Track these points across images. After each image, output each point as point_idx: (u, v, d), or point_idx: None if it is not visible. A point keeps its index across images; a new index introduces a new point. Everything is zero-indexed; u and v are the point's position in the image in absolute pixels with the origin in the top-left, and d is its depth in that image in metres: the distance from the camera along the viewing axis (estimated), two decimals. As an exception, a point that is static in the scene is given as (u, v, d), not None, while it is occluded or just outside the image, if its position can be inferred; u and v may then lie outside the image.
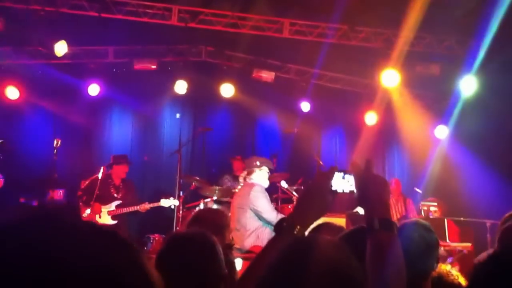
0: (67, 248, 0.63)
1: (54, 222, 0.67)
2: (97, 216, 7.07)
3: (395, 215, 8.05)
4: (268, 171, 5.87)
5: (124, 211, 7.15)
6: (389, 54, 7.86)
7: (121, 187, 7.36)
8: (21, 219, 0.66)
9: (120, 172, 7.42)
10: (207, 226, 2.71)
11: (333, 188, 1.58)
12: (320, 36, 8.02)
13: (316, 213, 1.58)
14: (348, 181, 1.59)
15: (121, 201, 7.22)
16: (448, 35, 7.92)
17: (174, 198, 7.17)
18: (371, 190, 1.49)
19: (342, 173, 1.60)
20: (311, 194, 1.58)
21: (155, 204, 7.22)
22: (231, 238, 3.30)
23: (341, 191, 1.59)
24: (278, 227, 1.54)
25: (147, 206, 7.18)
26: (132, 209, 7.16)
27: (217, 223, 3.25)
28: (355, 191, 1.55)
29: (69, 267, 0.62)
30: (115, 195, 7.25)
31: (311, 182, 1.62)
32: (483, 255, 2.25)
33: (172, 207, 7.14)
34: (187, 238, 2.20)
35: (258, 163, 5.84)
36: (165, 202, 7.16)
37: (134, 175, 8.80)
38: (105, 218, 7.12)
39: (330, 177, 1.58)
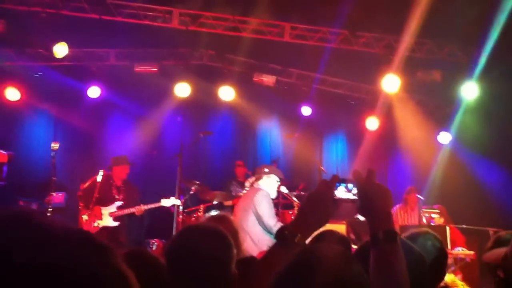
0: (36, 251, 0.62)
1: (23, 224, 0.65)
2: (97, 219, 7.00)
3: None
4: (278, 180, 5.87)
5: (125, 213, 7.09)
6: (391, 59, 7.84)
7: (122, 188, 7.30)
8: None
9: (120, 173, 7.36)
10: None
11: (336, 197, 1.57)
12: (321, 40, 8.00)
13: (318, 222, 1.57)
14: (350, 190, 1.58)
15: (122, 202, 7.15)
16: (449, 42, 7.90)
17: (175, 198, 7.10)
18: (373, 200, 1.49)
19: (344, 183, 1.59)
20: (313, 203, 1.57)
21: (155, 205, 7.16)
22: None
23: (343, 198, 1.58)
24: (280, 235, 1.53)
25: (142, 208, 7.10)
26: (132, 210, 7.09)
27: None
28: (356, 199, 1.54)
29: (39, 269, 0.61)
30: (116, 196, 7.19)
31: (313, 191, 1.60)
32: (494, 255, 2.21)
33: (180, 207, 7.05)
34: (201, 229, 2.16)
35: (267, 170, 5.86)
36: (165, 202, 7.08)
37: (134, 178, 8.75)
38: (106, 220, 7.02)
39: (332, 186, 1.57)
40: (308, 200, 1.60)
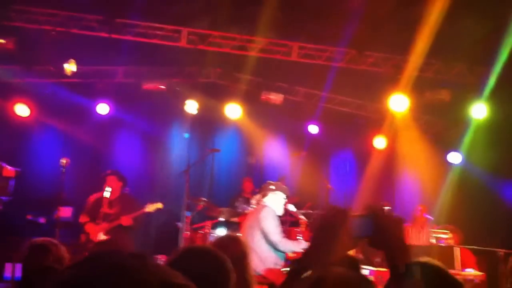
0: None
1: (121, 276, 0.72)
2: (91, 236, 7.06)
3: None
4: (284, 197, 5.84)
5: (114, 225, 7.10)
6: (398, 79, 7.81)
7: (115, 202, 7.29)
8: (91, 273, 0.71)
9: (109, 184, 7.32)
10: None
11: (356, 235, 1.50)
12: (328, 60, 8.00)
13: (332, 256, 1.51)
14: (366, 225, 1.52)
15: (113, 216, 7.16)
16: (458, 62, 7.86)
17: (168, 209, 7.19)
18: (389, 233, 1.47)
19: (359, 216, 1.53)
20: (326, 235, 1.51)
21: (140, 212, 7.16)
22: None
23: (363, 236, 1.52)
24: (292, 269, 1.53)
25: (129, 217, 7.11)
26: (120, 222, 7.10)
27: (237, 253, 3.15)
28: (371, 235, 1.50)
29: None
30: (108, 211, 7.19)
31: (325, 219, 1.54)
32: None
33: (189, 220, 7.04)
34: (198, 250, 2.11)
35: (273, 187, 5.85)
36: (149, 207, 7.11)
37: (141, 194, 8.74)
38: (98, 236, 7.09)
39: (348, 219, 1.52)
40: (320, 231, 1.54)
